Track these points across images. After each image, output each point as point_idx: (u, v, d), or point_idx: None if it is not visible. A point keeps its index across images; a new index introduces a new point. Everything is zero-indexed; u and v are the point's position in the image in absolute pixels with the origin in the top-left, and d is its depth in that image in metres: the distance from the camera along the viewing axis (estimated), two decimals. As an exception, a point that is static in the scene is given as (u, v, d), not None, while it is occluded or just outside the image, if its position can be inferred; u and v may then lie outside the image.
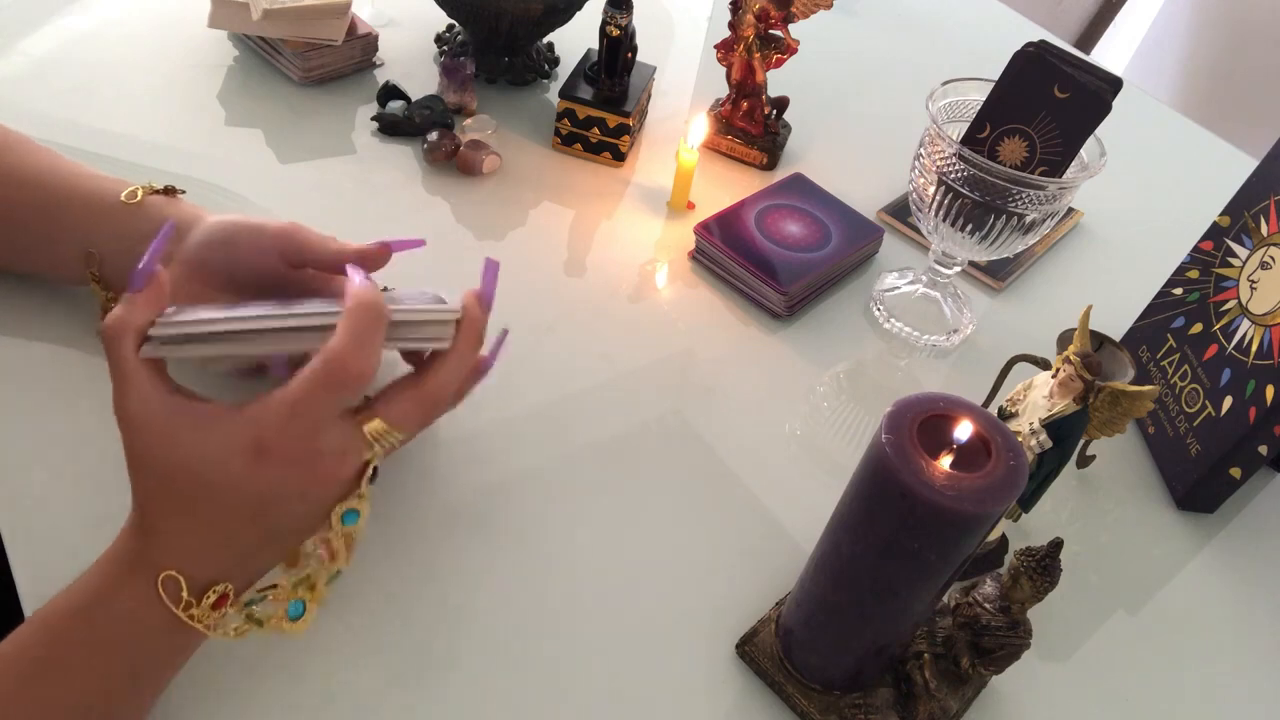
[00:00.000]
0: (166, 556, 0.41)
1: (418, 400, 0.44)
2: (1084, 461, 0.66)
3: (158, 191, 0.56)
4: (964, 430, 0.41)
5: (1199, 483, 0.65)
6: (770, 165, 0.88)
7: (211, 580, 0.42)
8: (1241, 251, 0.66)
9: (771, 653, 0.52)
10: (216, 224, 0.51)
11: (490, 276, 0.47)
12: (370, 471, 0.43)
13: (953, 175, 0.64)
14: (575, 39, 0.91)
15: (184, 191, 0.57)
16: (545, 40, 0.94)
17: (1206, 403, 0.65)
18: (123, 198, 0.55)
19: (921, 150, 0.67)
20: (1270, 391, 0.60)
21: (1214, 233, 0.69)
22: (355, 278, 0.43)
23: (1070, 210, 0.91)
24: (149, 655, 0.42)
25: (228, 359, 0.43)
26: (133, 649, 0.41)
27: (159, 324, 0.43)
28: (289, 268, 0.51)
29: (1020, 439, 0.52)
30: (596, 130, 0.83)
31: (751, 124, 0.88)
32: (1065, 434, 0.52)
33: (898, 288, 0.77)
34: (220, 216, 0.52)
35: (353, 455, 0.42)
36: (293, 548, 0.44)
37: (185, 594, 0.41)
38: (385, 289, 0.55)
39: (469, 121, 0.82)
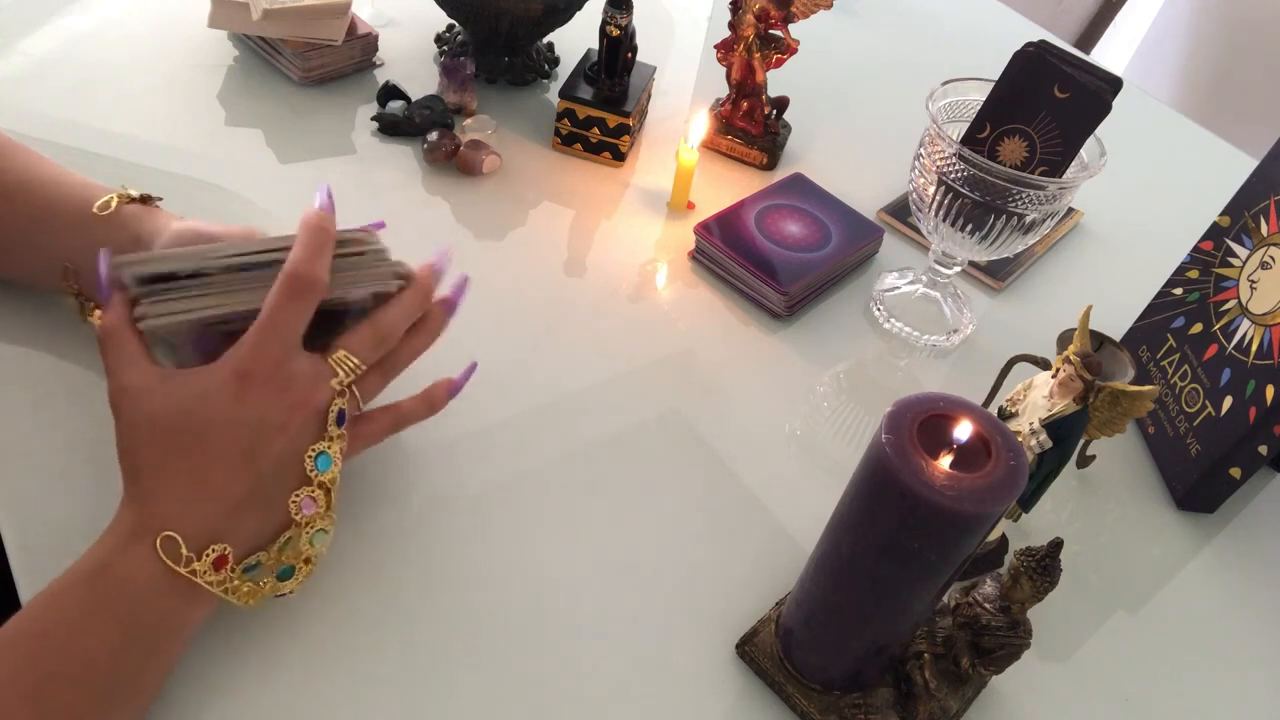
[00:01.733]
0: (162, 517, 0.42)
1: (371, 329, 0.48)
2: (1084, 461, 0.66)
3: (134, 200, 0.55)
4: (964, 430, 0.41)
5: (1199, 483, 0.65)
6: (770, 165, 0.88)
7: (208, 538, 0.43)
8: (1241, 251, 0.66)
9: (771, 653, 0.52)
10: (178, 231, 0.53)
11: (458, 290, 0.54)
12: (337, 414, 0.46)
13: (953, 175, 0.64)
14: (575, 39, 0.91)
15: (161, 199, 0.57)
16: (545, 40, 0.94)
17: (1206, 403, 0.65)
18: (95, 208, 0.54)
19: (921, 150, 0.67)
20: (1270, 391, 0.60)
21: (1214, 233, 0.69)
22: (316, 201, 0.48)
23: (1070, 210, 0.91)
24: (154, 622, 0.42)
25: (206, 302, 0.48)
26: (137, 616, 0.42)
27: (130, 261, 0.47)
28: None
29: (1020, 439, 0.52)
30: (596, 130, 0.83)
31: (751, 124, 0.88)
32: (1065, 434, 0.52)
33: (898, 288, 0.77)
34: (180, 223, 0.54)
35: (321, 382, 0.46)
36: (282, 517, 0.45)
37: (185, 551, 0.42)
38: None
39: (469, 121, 0.82)
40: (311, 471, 0.45)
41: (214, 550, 0.43)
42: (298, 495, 0.45)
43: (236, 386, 0.43)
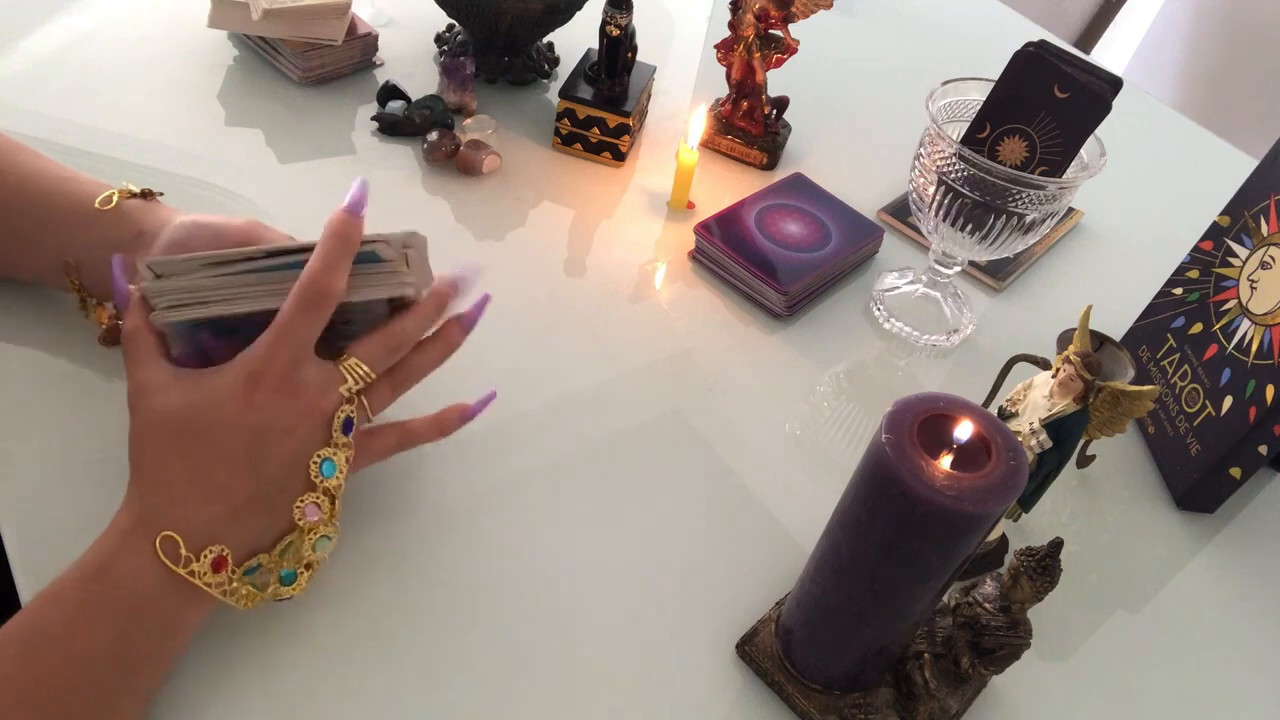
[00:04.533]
0: (163, 517, 0.42)
1: (383, 338, 0.48)
2: (1084, 461, 0.66)
3: (135, 195, 0.55)
4: (964, 430, 0.41)
5: (1199, 483, 0.65)
6: (770, 165, 0.88)
7: (207, 539, 0.43)
8: (1241, 251, 0.66)
9: (771, 653, 0.52)
10: (178, 225, 0.53)
11: (476, 308, 0.53)
12: (343, 421, 0.46)
13: (953, 175, 0.64)
14: (575, 39, 0.91)
15: (162, 194, 0.57)
16: (545, 40, 0.94)
17: (1206, 403, 0.65)
18: (97, 204, 0.55)
19: (921, 150, 0.67)
20: (1270, 391, 0.60)
21: (1214, 233, 0.69)
22: (347, 199, 0.47)
23: (1070, 210, 0.91)
24: (152, 622, 0.42)
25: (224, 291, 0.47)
26: (135, 616, 0.42)
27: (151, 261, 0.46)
28: None
29: (1020, 439, 0.52)
30: (596, 130, 0.83)
31: (751, 124, 0.88)
32: (1065, 434, 0.52)
33: (898, 288, 0.77)
34: (183, 218, 0.53)
35: (331, 389, 0.46)
36: (283, 523, 0.45)
37: (184, 551, 0.42)
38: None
39: (469, 121, 0.82)
40: (316, 477, 0.45)
41: (212, 551, 0.43)
42: (302, 500, 0.45)
43: (246, 390, 0.43)
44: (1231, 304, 0.65)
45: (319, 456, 0.45)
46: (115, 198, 0.55)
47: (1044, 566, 0.47)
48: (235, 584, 0.44)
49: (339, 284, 0.45)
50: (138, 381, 0.45)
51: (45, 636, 0.41)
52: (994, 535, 0.59)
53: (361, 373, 0.47)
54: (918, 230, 0.83)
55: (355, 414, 0.47)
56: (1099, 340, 0.58)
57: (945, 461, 0.41)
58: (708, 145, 0.89)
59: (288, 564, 0.46)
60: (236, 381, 0.44)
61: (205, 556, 0.43)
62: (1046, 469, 0.54)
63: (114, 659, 0.41)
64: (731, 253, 0.74)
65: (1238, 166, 1.02)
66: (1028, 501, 0.57)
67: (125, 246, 0.53)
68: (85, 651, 0.41)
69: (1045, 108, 0.63)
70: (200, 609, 0.44)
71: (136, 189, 0.56)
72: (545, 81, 0.93)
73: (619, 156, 0.85)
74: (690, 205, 0.82)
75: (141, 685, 0.43)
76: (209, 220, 0.53)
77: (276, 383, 0.44)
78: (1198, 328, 0.68)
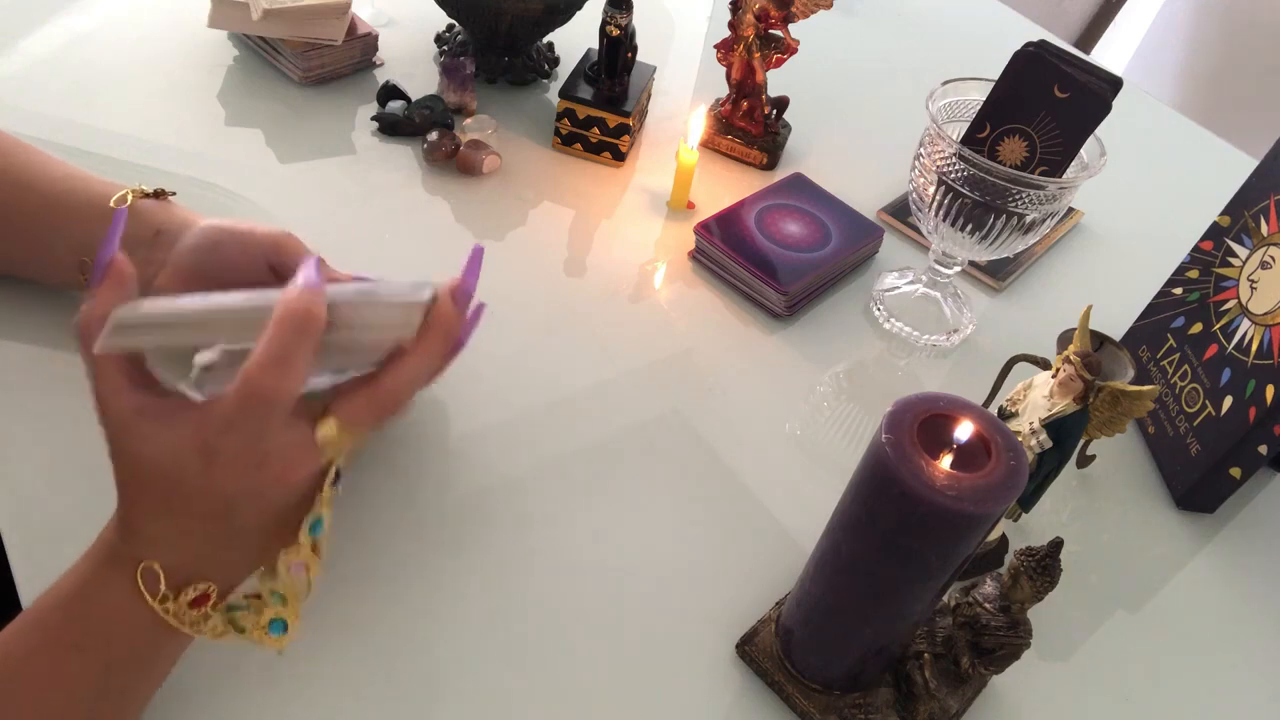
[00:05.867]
0: (144, 548, 0.41)
1: (372, 400, 0.40)
2: (1084, 461, 0.66)
3: (148, 195, 0.55)
4: (964, 430, 0.41)
5: (1199, 483, 0.65)
6: (770, 165, 0.88)
7: (190, 576, 0.41)
8: (1241, 251, 0.66)
9: (771, 653, 0.52)
10: (207, 229, 0.49)
11: (474, 267, 0.43)
12: (333, 475, 0.41)
13: (953, 175, 0.64)
14: (575, 39, 0.91)
15: (174, 194, 0.57)
16: (545, 40, 0.94)
17: (1206, 403, 0.65)
18: (112, 203, 0.55)
19: (921, 150, 0.67)
20: (1270, 391, 0.60)
21: (1214, 233, 0.69)
22: (300, 278, 0.39)
23: (1070, 210, 0.91)
24: (132, 652, 0.42)
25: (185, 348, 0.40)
26: (115, 645, 0.41)
27: (115, 314, 0.40)
28: (277, 277, 0.49)
29: (1020, 439, 0.52)
30: (596, 130, 0.83)
31: (751, 124, 0.88)
32: (1065, 434, 0.52)
33: (898, 288, 0.77)
34: (210, 221, 0.50)
35: (306, 459, 0.40)
36: (270, 556, 0.42)
37: (163, 587, 0.40)
38: (364, 278, 0.51)
39: (469, 121, 0.82)
40: (304, 537, 0.41)
41: (195, 589, 0.41)
42: (287, 555, 0.41)
43: (203, 461, 0.38)
44: (1231, 304, 0.65)
45: (309, 519, 0.41)
46: (130, 197, 0.55)
47: (1044, 566, 0.47)
48: (214, 620, 0.42)
49: (290, 383, 0.37)
50: (98, 401, 0.40)
51: (24, 663, 0.40)
52: (994, 535, 0.59)
53: (343, 444, 0.40)
54: (918, 230, 0.83)
55: (343, 463, 0.42)
56: (1099, 340, 0.58)
57: (945, 461, 0.41)
58: (708, 145, 0.89)
59: (279, 611, 0.42)
60: (192, 448, 0.38)
61: (185, 595, 0.41)
62: (1046, 469, 0.54)
63: (97, 684, 0.41)
64: (731, 253, 0.74)
65: (1238, 166, 1.01)
66: (1028, 501, 0.57)
67: (143, 245, 0.53)
68: (68, 676, 0.40)
69: (1045, 108, 0.63)
70: (183, 640, 0.43)
71: (149, 189, 0.56)
72: (545, 81, 0.93)
73: (619, 156, 0.85)
74: (690, 205, 0.82)
75: (126, 709, 0.43)
76: (237, 226, 0.48)
77: (234, 456, 0.38)
78: (1198, 328, 0.68)
